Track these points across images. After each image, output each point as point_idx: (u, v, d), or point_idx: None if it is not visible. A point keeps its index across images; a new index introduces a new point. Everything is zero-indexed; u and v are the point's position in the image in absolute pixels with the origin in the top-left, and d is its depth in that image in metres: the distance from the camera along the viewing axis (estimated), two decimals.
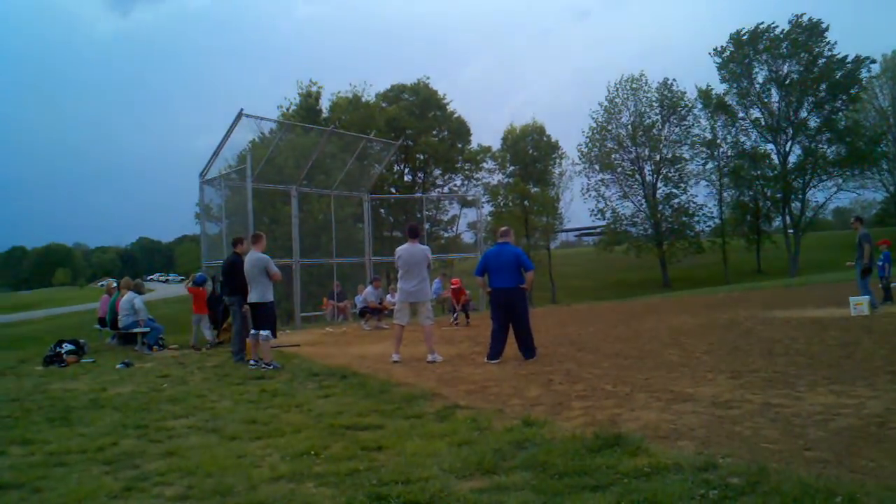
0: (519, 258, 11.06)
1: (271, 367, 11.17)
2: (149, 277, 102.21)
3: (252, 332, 11.75)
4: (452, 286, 20.10)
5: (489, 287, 11.32)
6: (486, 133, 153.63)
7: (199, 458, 5.63)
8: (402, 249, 11.67)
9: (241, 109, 19.22)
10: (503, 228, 12.02)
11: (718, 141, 70.25)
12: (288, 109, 54.51)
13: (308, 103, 55.11)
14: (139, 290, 16.52)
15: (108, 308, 17.45)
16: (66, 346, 14.24)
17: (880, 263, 18.37)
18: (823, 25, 64.14)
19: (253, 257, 11.64)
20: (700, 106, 70.37)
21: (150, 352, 15.26)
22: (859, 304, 15.23)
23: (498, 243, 11.49)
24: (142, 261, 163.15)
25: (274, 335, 11.97)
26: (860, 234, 16.53)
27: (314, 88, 56.29)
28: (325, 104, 58.13)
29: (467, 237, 66.00)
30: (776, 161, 68.94)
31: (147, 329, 15.74)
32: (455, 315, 19.41)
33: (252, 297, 11.62)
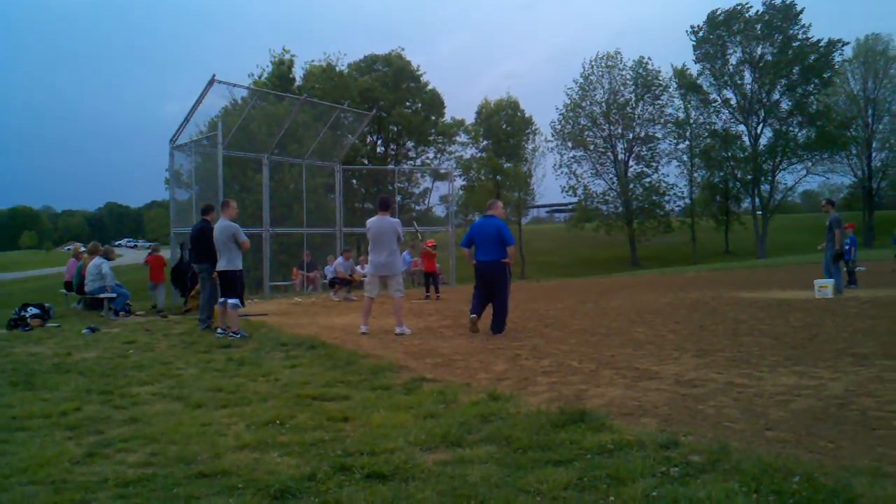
0: (500, 232, 11.02)
1: (238, 335, 11.13)
2: (116, 243, 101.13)
3: (220, 300, 11.69)
4: (427, 246, 20.09)
5: (474, 260, 11.29)
6: (462, 106, 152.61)
7: (164, 425, 5.62)
8: (371, 222, 11.58)
9: (214, 75, 19.04)
10: (490, 201, 12.00)
11: (691, 121, 70.68)
12: (260, 77, 53.86)
13: (280, 71, 54.51)
14: (109, 256, 16.39)
15: (75, 272, 17.30)
16: (31, 310, 14.13)
17: (847, 247, 18.57)
18: (797, 8, 64.55)
19: (222, 225, 11.53)
20: (675, 86, 70.73)
21: (116, 317, 15.15)
22: (823, 287, 15.42)
23: (484, 216, 11.50)
24: (110, 226, 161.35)
25: (242, 304, 11.92)
26: (831, 217, 16.51)
27: (287, 56, 55.75)
28: (298, 73, 57.68)
29: (439, 210, 66.09)
30: (747, 143, 69.55)
31: (114, 295, 15.62)
32: (427, 290, 19.44)
33: (220, 265, 11.54)
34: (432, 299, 18.73)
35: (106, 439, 5.28)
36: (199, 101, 19.47)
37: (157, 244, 21.42)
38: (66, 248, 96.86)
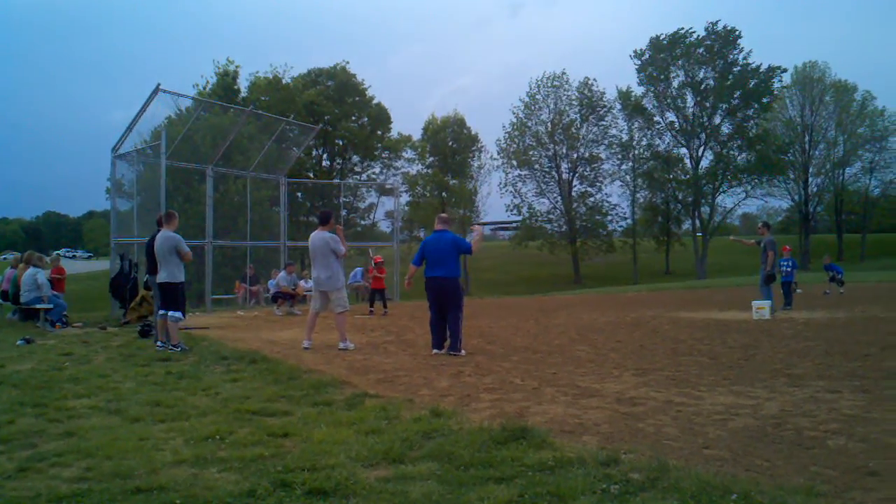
0: (457, 245, 10.73)
1: (178, 348, 10.96)
2: (55, 253, 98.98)
3: (160, 312, 11.50)
4: (375, 262, 19.98)
5: (425, 276, 10.88)
6: (413, 121, 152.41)
7: (100, 439, 5.50)
8: (311, 237, 11.53)
9: (158, 84, 18.78)
10: (441, 215, 11.67)
11: (634, 143, 71.76)
12: (205, 88, 53.18)
13: (225, 82, 53.92)
14: (36, 264, 15.94)
15: (10, 282, 16.90)
16: None
17: (789, 269, 18.95)
18: (736, 33, 66.13)
19: (164, 236, 11.35)
20: (619, 107, 71.75)
21: (52, 329, 14.81)
22: (761, 308, 15.70)
23: (436, 231, 11.09)
24: (47, 235, 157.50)
25: (183, 316, 11.74)
26: (766, 240, 16.95)
27: (231, 67, 55.25)
28: (242, 84, 57.20)
29: (384, 226, 66.04)
30: (689, 165, 70.84)
31: (50, 305, 15.26)
32: (371, 305, 19.34)
33: (161, 277, 11.35)
34: (377, 314, 18.65)
35: (39, 453, 5.15)
36: (142, 110, 19.18)
37: (58, 255, 21.87)
38: (1, 257, 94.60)
